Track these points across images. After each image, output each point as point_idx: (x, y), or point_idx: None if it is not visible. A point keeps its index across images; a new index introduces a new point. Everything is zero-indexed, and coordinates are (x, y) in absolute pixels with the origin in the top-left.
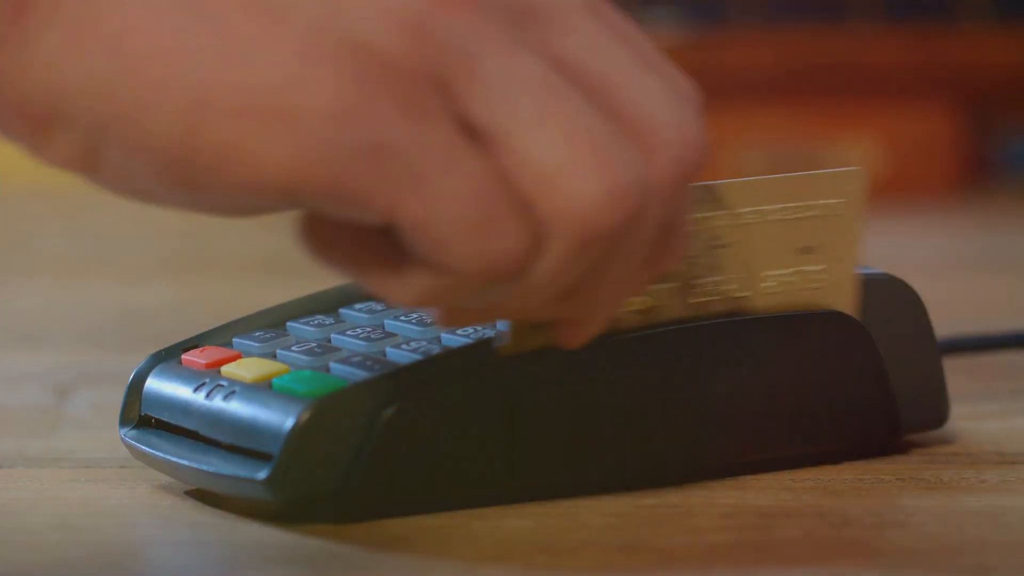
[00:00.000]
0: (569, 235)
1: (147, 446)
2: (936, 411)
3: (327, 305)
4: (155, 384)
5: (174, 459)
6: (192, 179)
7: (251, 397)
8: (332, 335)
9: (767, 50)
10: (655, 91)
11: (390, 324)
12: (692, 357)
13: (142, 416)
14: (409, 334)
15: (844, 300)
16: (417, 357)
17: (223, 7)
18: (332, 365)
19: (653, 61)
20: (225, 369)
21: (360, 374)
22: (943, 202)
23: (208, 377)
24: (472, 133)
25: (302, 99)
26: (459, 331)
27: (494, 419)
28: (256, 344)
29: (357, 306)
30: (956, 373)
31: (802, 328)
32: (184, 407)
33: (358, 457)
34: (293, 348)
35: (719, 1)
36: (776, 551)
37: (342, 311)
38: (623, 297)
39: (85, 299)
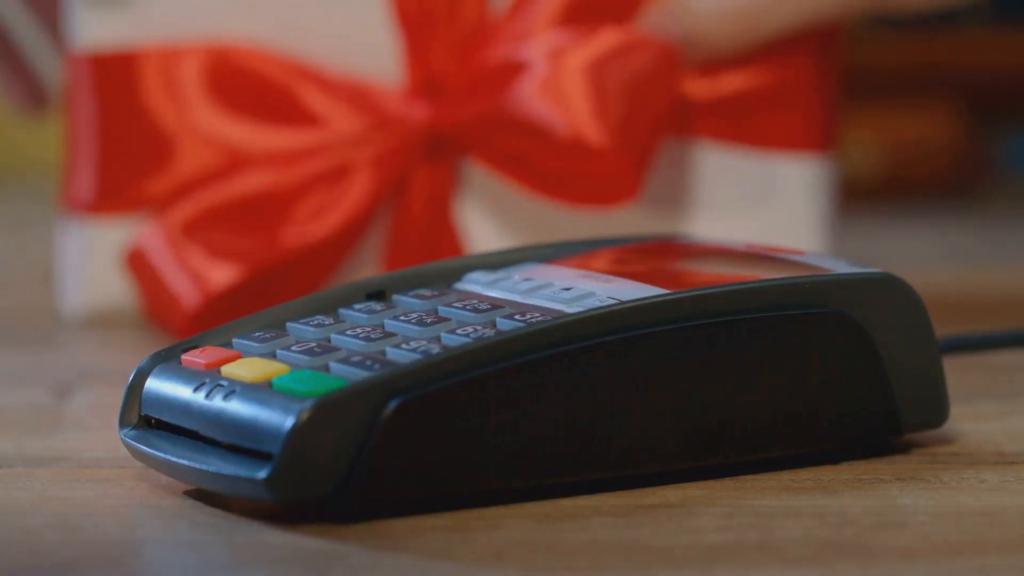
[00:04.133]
0: None
1: (147, 446)
2: (936, 411)
3: (327, 305)
4: (155, 384)
5: (174, 459)
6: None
7: (251, 397)
8: (332, 335)
9: None
10: None
11: (390, 324)
12: (691, 356)
13: (142, 416)
14: (409, 334)
15: None
16: (417, 357)
17: None
18: (332, 365)
19: None
20: (225, 369)
21: (360, 374)
22: (943, 202)
23: (208, 377)
24: None
25: None
26: (459, 331)
27: (494, 419)
28: (256, 344)
29: (357, 306)
30: (956, 373)
31: (802, 328)
32: (184, 407)
33: (358, 457)
34: (293, 348)
35: None
36: (776, 551)
37: (342, 311)
38: None
39: None
